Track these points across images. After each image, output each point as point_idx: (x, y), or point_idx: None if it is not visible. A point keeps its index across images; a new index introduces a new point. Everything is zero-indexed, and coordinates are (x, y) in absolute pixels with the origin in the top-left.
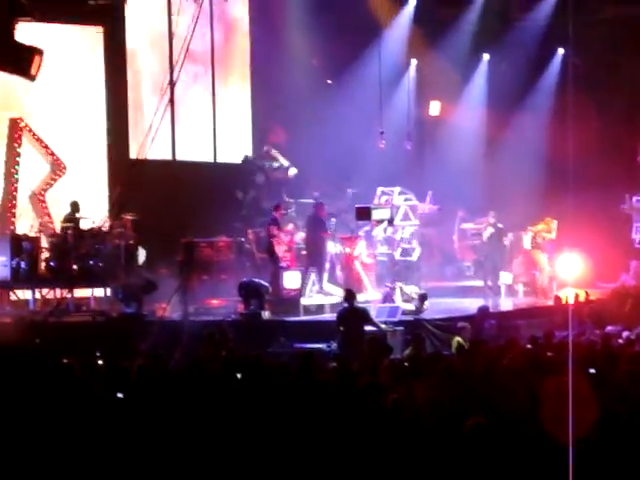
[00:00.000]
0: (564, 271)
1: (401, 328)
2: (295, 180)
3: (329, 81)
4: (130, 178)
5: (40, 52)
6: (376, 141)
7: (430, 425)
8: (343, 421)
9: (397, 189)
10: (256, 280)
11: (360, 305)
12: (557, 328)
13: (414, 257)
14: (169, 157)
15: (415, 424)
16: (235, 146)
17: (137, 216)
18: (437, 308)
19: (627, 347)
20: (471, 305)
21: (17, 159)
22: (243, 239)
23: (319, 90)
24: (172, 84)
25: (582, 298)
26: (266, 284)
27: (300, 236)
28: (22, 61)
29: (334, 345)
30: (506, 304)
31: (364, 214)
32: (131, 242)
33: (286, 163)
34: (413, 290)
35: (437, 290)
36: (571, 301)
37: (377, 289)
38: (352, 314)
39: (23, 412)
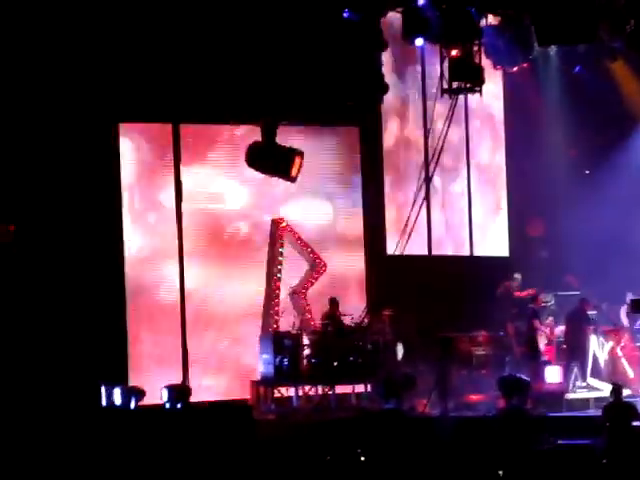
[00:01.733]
0: None
1: None
2: (554, 272)
3: (587, 171)
4: (387, 274)
5: (300, 154)
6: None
7: None
8: None
9: None
10: (517, 375)
11: (627, 400)
12: None
13: None
14: (425, 252)
15: None
16: (492, 239)
17: (395, 312)
18: None
19: None
20: None
21: (279, 259)
22: (502, 333)
23: (577, 181)
24: (428, 180)
25: None
26: (527, 379)
27: (560, 329)
28: (283, 163)
29: (601, 441)
30: None
31: (639, 306)
32: (389, 338)
33: None
34: None
35: None
36: None
37: None
38: (619, 409)
39: None
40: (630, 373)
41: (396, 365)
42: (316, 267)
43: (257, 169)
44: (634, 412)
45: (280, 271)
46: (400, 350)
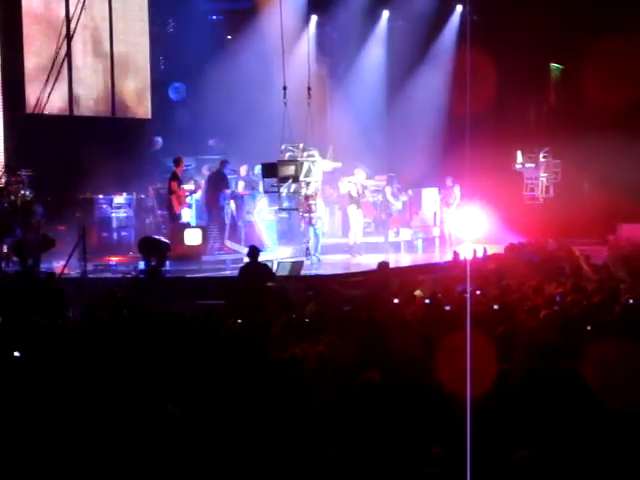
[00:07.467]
0: (463, 226)
1: (303, 284)
2: (196, 136)
3: (229, 37)
4: (26, 132)
5: None
6: (278, 97)
7: (327, 380)
8: (246, 375)
9: (301, 145)
10: (156, 237)
11: (262, 261)
12: (456, 283)
13: (318, 214)
14: (67, 112)
15: (314, 378)
16: (134, 101)
17: (34, 172)
18: (336, 263)
19: (523, 301)
20: (372, 261)
21: None
22: (143, 195)
23: (220, 46)
24: (69, 37)
25: (480, 254)
26: (167, 241)
27: (201, 192)
28: None
29: (235, 301)
30: (406, 260)
31: (271, 171)
32: (28, 198)
33: None
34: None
35: (339, 247)
36: (469, 256)
37: (279, 245)
38: (254, 270)
39: None
40: (265, 236)
41: (34, 226)
42: None
43: None
44: (268, 272)
45: None
46: (39, 211)
